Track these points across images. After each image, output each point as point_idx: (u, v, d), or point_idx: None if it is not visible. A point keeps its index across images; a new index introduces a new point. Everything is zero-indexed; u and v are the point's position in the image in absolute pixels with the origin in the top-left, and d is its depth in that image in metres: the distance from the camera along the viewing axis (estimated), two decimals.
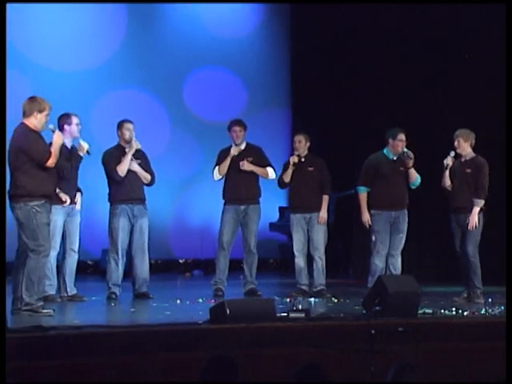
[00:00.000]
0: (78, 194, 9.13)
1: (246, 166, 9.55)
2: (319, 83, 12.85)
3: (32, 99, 7.86)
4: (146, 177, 9.33)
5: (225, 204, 9.66)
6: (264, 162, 9.71)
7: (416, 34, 11.56)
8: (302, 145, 9.78)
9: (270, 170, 9.72)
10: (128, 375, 6.12)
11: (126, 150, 9.25)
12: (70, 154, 8.88)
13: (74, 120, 9.00)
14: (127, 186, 9.22)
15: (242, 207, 9.61)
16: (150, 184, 9.40)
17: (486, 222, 9.29)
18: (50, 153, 7.74)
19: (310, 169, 9.76)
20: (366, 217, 9.45)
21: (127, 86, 12.68)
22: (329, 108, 12.58)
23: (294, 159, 9.73)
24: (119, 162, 9.18)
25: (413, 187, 9.57)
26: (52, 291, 8.92)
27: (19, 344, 6.36)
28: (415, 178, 9.51)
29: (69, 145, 8.95)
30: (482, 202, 9.16)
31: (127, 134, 9.27)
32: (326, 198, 9.73)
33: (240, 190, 9.59)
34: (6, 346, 5.92)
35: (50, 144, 7.87)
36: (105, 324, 7.35)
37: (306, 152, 9.81)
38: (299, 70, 13.51)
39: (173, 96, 13.00)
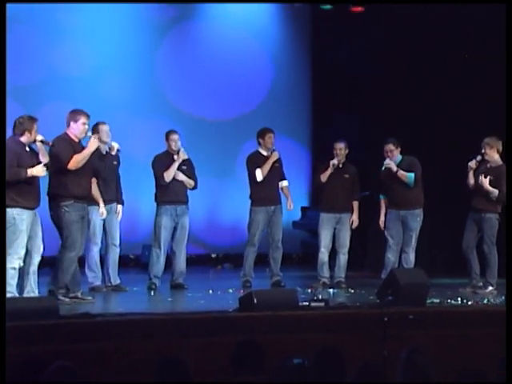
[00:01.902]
0: (120, 206, 9.15)
1: (292, 206, 9.84)
2: (341, 95, 12.63)
3: (70, 111, 7.97)
4: (190, 183, 9.38)
5: (255, 205, 9.62)
6: (283, 175, 9.79)
7: (438, 36, 11.27)
8: (342, 152, 9.76)
9: (286, 183, 9.82)
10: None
11: (175, 157, 9.29)
12: (103, 156, 8.97)
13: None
14: (172, 189, 9.26)
15: (272, 208, 9.62)
16: (192, 189, 9.46)
17: None
18: (71, 157, 7.77)
19: (346, 176, 9.76)
20: (380, 219, 9.64)
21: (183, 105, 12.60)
22: (348, 117, 12.44)
23: (334, 162, 9.70)
24: (166, 167, 9.24)
25: (410, 186, 9.55)
26: (98, 282, 8.98)
27: (69, 329, 6.43)
28: (404, 179, 9.50)
29: (104, 150, 9.03)
30: (499, 207, 9.16)
31: (173, 144, 9.32)
32: (356, 204, 9.77)
33: (270, 193, 9.61)
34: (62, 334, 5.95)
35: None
36: (145, 311, 7.38)
37: (343, 159, 9.81)
38: (321, 79, 13.23)
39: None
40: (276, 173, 9.69)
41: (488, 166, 9.17)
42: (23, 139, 7.51)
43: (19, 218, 7.34)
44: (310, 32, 13.37)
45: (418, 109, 11.37)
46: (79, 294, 7.98)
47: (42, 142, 7.70)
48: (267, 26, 13.18)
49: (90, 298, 8.08)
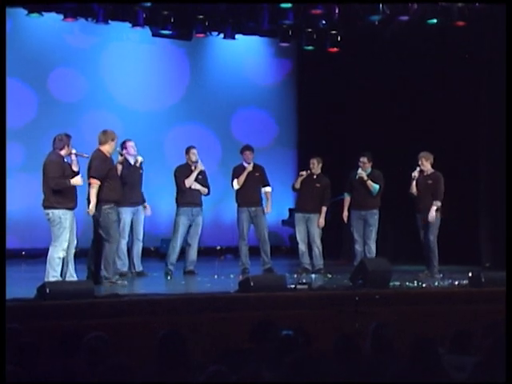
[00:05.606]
0: (147, 205, 9.21)
1: (269, 209, 9.63)
2: (323, 117, 12.30)
3: (105, 131, 7.97)
4: (204, 191, 9.40)
5: (239, 206, 9.61)
6: (265, 182, 9.71)
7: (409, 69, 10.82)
8: (315, 166, 9.75)
9: (269, 189, 9.72)
10: (181, 329, 6.17)
11: (192, 167, 9.31)
12: (130, 165, 8.97)
13: (129, 143, 9.06)
14: (189, 194, 9.28)
15: (253, 209, 9.59)
16: (206, 195, 9.47)
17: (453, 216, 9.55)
18: (107, 171, 7.78)
19: (318, 185, 9.74)
20: (344, 214, 9.66)
21: (190, 122, 12.41)
22: (327, 133, 12.22)
23: (302, 173, 9.72)
24: (186, 175, 9.26)
25: (373, 195, 9.58)
26: (124, 268, 8.97)
27: (102, 307, 6.45)
28: (370, 188, 9.54)
29: (132, 161, 9.06)
30: (439, 203, 9.18)
31: (193, 157, 9.35)
32: (324, 209, 9.72)
33: (252, 196, 9.58)
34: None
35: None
36: (163, 293, 7.39)
37: (318, 171, 9.78)
38: (307, 105, 12.85)
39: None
40: (256, 180, 9.64)
41: (425, 174, 9.30)
42: (62, 152, 7.53)
43: (64, 218, 7.37)
44: (295, 66, 13.37)
45: (399, 132, 11.06)
46: (115, 280, 7.99)
47: (75, 154, 7.71)
48: (259, 58, 13.18)
49: (125, 282, 8.10)
